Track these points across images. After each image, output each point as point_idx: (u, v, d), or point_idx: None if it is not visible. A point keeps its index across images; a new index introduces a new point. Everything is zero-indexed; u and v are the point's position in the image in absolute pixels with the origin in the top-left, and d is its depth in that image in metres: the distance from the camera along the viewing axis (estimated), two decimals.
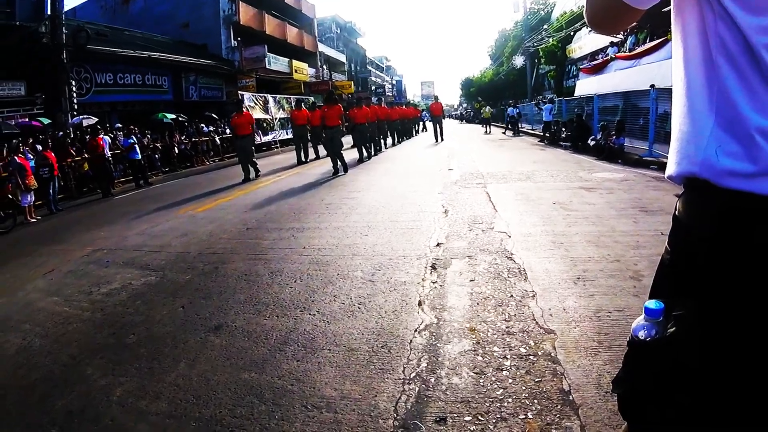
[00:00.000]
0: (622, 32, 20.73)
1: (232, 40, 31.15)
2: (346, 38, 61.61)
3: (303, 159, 16.81)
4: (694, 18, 1.06)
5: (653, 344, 1.11)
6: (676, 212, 1.17)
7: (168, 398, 2.83)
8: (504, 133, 28.61)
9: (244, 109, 14.98)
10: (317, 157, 17.39)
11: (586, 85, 22.09)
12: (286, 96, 29.75)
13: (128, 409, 2.77)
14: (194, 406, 2.71)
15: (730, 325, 1.06)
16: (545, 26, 33.83)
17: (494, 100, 49.71)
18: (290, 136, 20.51)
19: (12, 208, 10.25)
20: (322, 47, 46.96)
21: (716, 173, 1.02)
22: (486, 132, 30.40)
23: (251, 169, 13.29)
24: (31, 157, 12.25)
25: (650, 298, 1.17)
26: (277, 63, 33.14)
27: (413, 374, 2.78)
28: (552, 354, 2.81)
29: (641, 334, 1.12)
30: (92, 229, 8.48)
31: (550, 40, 31.77)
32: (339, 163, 12.57)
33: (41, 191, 11.87)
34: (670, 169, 1.16)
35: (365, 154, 16.10)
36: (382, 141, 19.92)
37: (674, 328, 1.09)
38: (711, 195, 1.05)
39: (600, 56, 23.54)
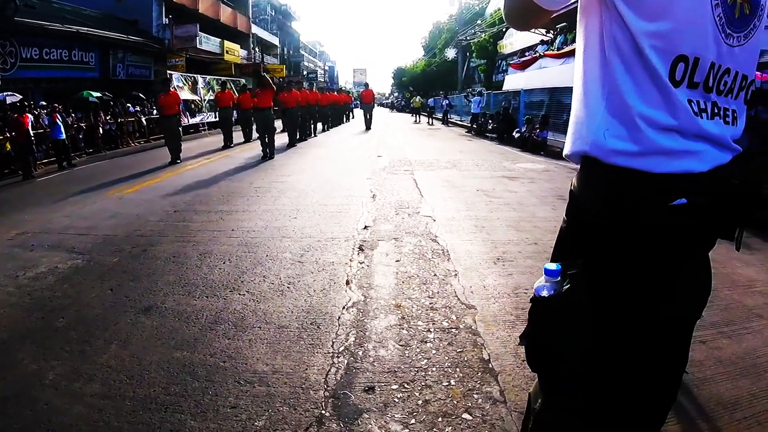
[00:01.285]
0: (552, 31, 21.58)
1: (164, 18, 29.87)
2: (281, 21, 60.25)
3: (229, 143, 16.69)
4: (595, 20, 1.24)
5: (551, 300, 1.24)
6: (572, 187, 1.37)
7: (101, 380, 2.87)
8: (428, 123, 29.14)
9: (171, 89, 14.76)
10: (246, 141, 17.17)
11: (514, 80, 22.75)
12: (216, 77, 29.00)
13: (62, 392, 2.79)
14: (128, 386, 2.77)
15: (610, 283, 1.24)
16: (479, 21, 34.50)
17: (425, 91, 50.35)
18: (218, 119, 19.93)
19: None
20: (255, 29, 45.77)
21: (605, 152, 1.20)
22: (416, 121, 30.94)
23: (173, 151, 13.03)
24: None
25: (551, 261, 1.32)
26: (208, 43, 32.09)
27: (342, 348, 2.95)
28: (473, 327, 3.05)
29: (543, 293, 1.26)
30: (15, 212, 8.10)
31: (483, 35, 32.51)
32: (268, 147, 12.59)
33: None
34: (567, 148, 1.37)
35: (296, 138, 16.13)
36: (312, 126, 19.87)
37: (568, 285, 1.24)
38: (599, 171, 1.22)
39: (529, 53, 24.33)
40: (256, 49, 45.06)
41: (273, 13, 56.92)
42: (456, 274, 3.96)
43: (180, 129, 13.80)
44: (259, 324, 3.34)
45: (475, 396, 2.36)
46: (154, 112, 21.94)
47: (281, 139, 15.13)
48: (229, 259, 4.78)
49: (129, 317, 3.69)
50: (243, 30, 41.46)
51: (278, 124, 14.64)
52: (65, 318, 3.80)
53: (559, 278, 1.24)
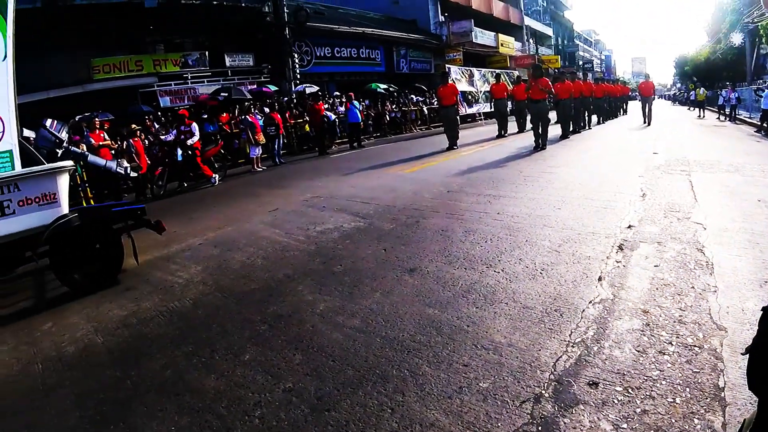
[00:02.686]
0: None
1: (440, 15, 31.72)
2: (553, 11, 58.78)
3: (503, 132, 16.59)
4: None
5: None
6: None
7: (361, 317, 3.30)
8: (718, 119, 25.00)
9: (449, 81, 15.19)
10: (520, 131, 17.04)
11: None
12: (491, 70, 29.53)
13: (327, 320, 3.30)
14: (382, 327, 3.13)
15: None
16: None
17: (710, 81, 43.54)
18: (492, 109, 20.28)
19: (224, 161, 12.12)
20: (528, 21, 45.54)
21: None
22: (699, 116, 26.87)
23: (451, 138, 13.52)
24: (260, 117, 14.03)
25: None
26: (483, 37, 33.01)
27: (578, 339, 2.80)
28: (717, 350, 2.60)
29: None
30: (310, 180, 9.60)
31: None
32: (541, 137, 11.98)
33: (267, 147, 13.83)
34: None
35: (569, 130, 15.18)
36: (586, 118, 18.38)
37: None
38: None
39: None
40: (530, 40, 44.81)
41: (545, 4, 55.77)
42: (715, 291, 3.32)
43: (458, 118, 14.34)
44: (507, 300, 3.37)
45: (695, 421, 2.11)
46: (434, 102, 23.45)
47: (554, 130, 14.63)
48: (491, 239, 4.77)
49: (395, 274, 4.03)
50: (516, 22, 41.57)
51: (552, 115, 14.20)
52: (342, 266, 4.34)
53: None
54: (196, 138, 10.59)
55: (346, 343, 2.94)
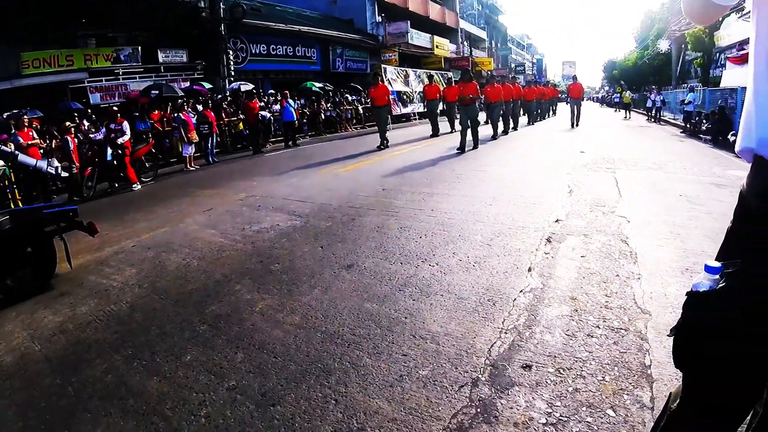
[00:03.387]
0: None
1: (377, 16, 31.92)
2: (488, 15, 60.21)
3: (435, 132, 16.94)
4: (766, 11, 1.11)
5: (705, 295, 1.20)
6: (742, 186, 1.23)
7: (301, 314, 3.39)
8: (647, 120, 26.50)
9: (380, 82, 15.29)
10: (451, 131, 17.40)
11: (732, 76, 19.40)
12: (426, 71, 29.94)
13: (267, 318, 3.38)
14: (322, 322, 3.24)
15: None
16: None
17: (638, 85, 46.09)
18: (426, 109, 20.57)
19: (155, 160, 11.76)
20: (463, 24, 46.41)
21: None
22: (625, 117, 28.39)
23: (473, 140, 13.07)
24: (193, 115, 13.72)
25: (715, 260, 1.25)
26: (419, 38, 33.45)
27: (511, 326, 2.99)
28: (642, 332, 2.85)
29: (700, 288, 1.22)
30: (245, 179, 9.55)
31: (698, 25, 28.32)
32: (473, 138, 12.51)
33: (201, 145, 13.62)
34: (737, 145, 1.25)
35: (499, 131, 15.71)
36: (515, 120, 18.81)
37: (724, 284, 1.18)
38: (765, 169, 1.13)
39: (748, 46, 20.51)
40: (465, 43, 45.61)
41: (480, 8, 57.08)
42: (639, 278, 3.63)
43: (389, 118, 14.62)
44: (442, 292, 3.55)
45: (625, 396, 2.30)
46: (368, 102, 23.59)
47: (484, 131, 15.01)
48: (425, 235, 4.96)
49: (333, 270, 4.15)
50: (451, 25, 42.26)
51: (483, 117, 14.65)
52: (280, 264, 4.40)
53: (718, 276, 1.21)
54: (126, 137, 10.20)
55: (287, 339, 3.02)
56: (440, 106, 18.95)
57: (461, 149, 11.81)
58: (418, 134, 17.37)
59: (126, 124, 10.40)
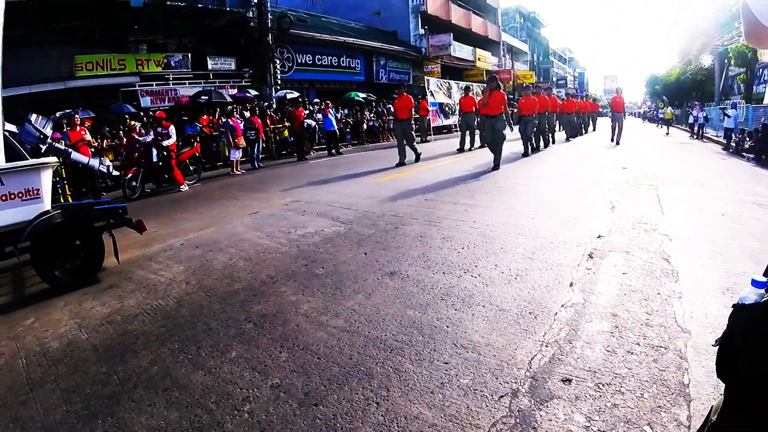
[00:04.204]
0: None
1: (420, 29, 32.24)
2: (530, 28, 60.06)
3: (468, 146, 16.02)
4: None
5: (750, 308, 1.20)
6: None
7: (345, 317, 3.41)
8: (690, 137, 25.70)
9: (405, 93, 13.29)
10: (460, 148, 16.42)
11: None
12: (468, 83, 29.93)
13: (311, 320, 3.41)
14: (365, 327, 3.24)
15: None
16: (736, 24, 28.95)
17: (680, 100, 44.93)
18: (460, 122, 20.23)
19: (199, 164, 12.12)
20: (505, 37, 46.37)
21: None
22: (666, 134, 27.63)
23: (408, 151, 12.56)
24: (241, 121, 14.03)
25: (763, 275, 1.27)
26: (461, 51, 33.63)
27: (552, 340, 2.95)
28: (682, 351, 2.79)
29: (746, 301, 1.22)
30: (290, 185, 9.72)
31: (740, 39, 27.25)
32: (493, 155, 10.89)
33: (247, 150, 13.97)
34: None
35: (530, 147, 14.06)
36: (550, 136, 17.23)
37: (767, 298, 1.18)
38: None
39: None
40: (507, 55, 45.52)
41: (522, 21, 57.03)
42: (680, 297, 3.54)
43: (412, 132, 13.14)
44: (484, 303, 3.53)
45: (662, 414, 2.27)
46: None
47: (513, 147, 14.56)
48: (467, 246, 4.92)
49: (376, 276, 4.15)
50: (493, 38, 42.27)
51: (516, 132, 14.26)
52: (324, 268, 4.43)
53: (764, 291, 1.22)
54: (172, 140, 10.57)
55: (330, 341, 3.03)
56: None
57: (496, 166, 10.62)
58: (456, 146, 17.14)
59: (173, 128, 10.79)
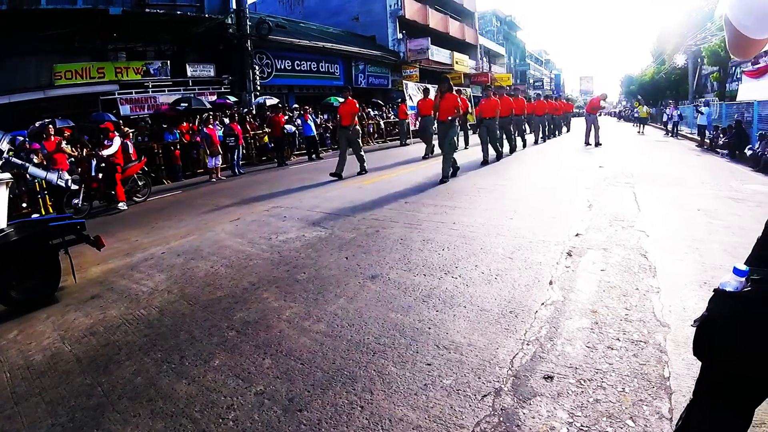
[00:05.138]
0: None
1: (398, 33, 32.50)
2: (506, 31, 60.72)
3: (428, 153, 14.75)
4: None
5: (729, 294, 1.26)
6: None
7: (327, 322, 3.42)
8: (665, 135, 26.12)
9: (350, 97, 11.88)
10: (465, 146, 16.80)
11: (748, 90, 19.01)
12: (426, 85, 30.19)
13: (294, 325, 3.42)
14: (347, 331, 3.26)
15: None
16: (708, 24, 29.33)
17: (654, 99, 45.74)
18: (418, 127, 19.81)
19: (147, 178, 11.03)
20: (482, 40, 46.84)
21: None
22: (640, 132, 28.08)
23: (358, 163, 11.59)
24: (220, 127, 14.00)
25: (744, 263, 1.30)
26: (439, 54, 33.94)
27: (533, 338, 3.00)
28: (662, 344, 2.86)
29: (726, 287, 1.28)
30: (271, 190, 9.73)
31: (714, 39, 27.78)
32: (443, 166, 9.61)
33: (227, 157, 13.96)
34: None
35: (492, 154, 12.80)
36: (518, 140, 16.15)
37: (749, 288, 1.24)
38: None
39: (765, 59, 19.92)
40: (484, 59, 45.92)
41: (498, 24, 57.64)
42: (658, 292, 3.62)
43: (358, 140, 11.77)
44: (465, 304, 3.57)
45: (644, 407, 2.32)
46: (392, 115, 24.47)
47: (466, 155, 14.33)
48: (448, 248, 4.97)
49: (358, 281, 4.18)
50: (471, 41, 42.67)
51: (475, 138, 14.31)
52: (306, 273, 4.45)
53: (744, 279, 1.26)
54: (110, 150, 9.71)
55: (313, 346, 3.05)
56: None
57: (444, 178, 9.42)
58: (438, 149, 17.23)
59: (117, 140, 9.99)
